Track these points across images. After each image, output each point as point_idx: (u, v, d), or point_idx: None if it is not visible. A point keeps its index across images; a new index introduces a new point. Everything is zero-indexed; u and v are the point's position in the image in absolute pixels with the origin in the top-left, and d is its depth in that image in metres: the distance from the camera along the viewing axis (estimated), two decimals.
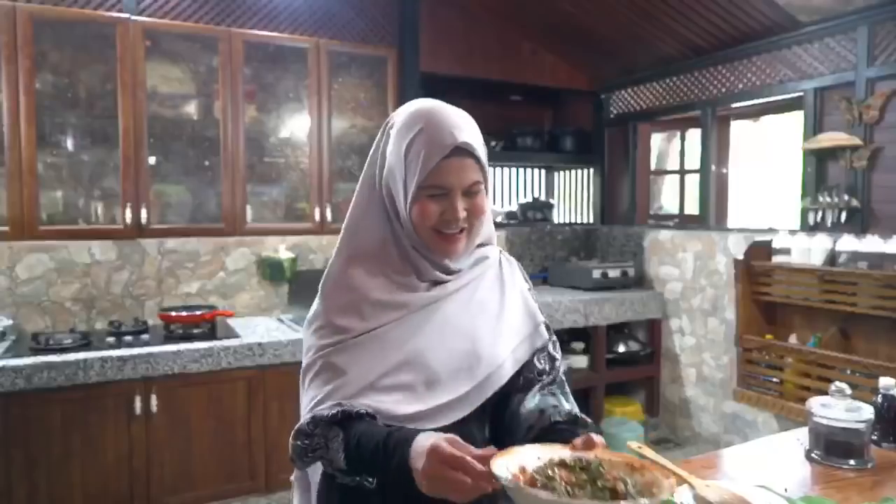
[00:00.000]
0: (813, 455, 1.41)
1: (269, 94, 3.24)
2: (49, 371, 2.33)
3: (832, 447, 1.39)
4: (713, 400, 3.68)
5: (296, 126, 3.30)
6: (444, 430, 0.99)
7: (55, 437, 2.37)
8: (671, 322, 3.92)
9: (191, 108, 3.18)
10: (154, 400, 2.51)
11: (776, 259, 3.16)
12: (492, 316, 1.10)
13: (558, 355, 1.21)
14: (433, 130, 0.99)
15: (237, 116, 3.07)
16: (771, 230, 3.35)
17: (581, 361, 3.75)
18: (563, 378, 1.20)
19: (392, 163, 1.04)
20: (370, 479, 0.92)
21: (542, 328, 1.19)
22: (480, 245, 1.14)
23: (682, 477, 1.21)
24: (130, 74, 2.81)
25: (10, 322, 2.70)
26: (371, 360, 0.99)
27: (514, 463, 0.82)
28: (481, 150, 1.03)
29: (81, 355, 2.41)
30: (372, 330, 1.02)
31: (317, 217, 3.27)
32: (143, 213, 2.96)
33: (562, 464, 0.85)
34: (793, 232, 3.16)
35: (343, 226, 1.09)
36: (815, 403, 1.44)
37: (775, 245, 3.17)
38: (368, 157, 1.09)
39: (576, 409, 1.13)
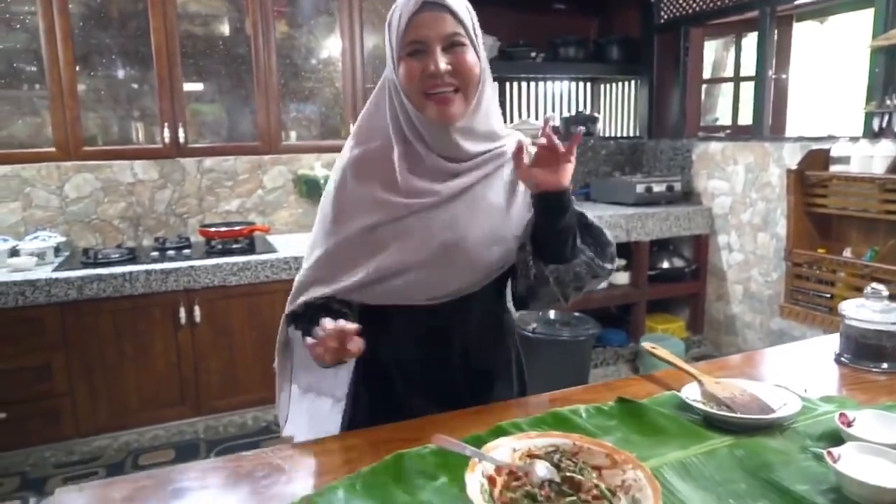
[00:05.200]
0: (842, 358, 1.35)
1: (299, 9, 3.16)
2: (98, 283, 2.45)
3: (863, 350, 1.32)
4: (760, 317, 3.58)
5: (328, 42, 3.23)
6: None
7: (109, 343, 2.52)
8: (719, 238, 3.78)
9: (222, 26, 3.14)
10: (197, 310, 2.62)
11: (834, 168, 2.96)
12: (500, 214, 1.11)
13: None
14: None
15: (268, 32, 3.02)
16: (830, 138, 3.12)
17: (622, 278, 3.69)
18: None
19: (385, 45, 1.07)
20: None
21: None
22: (496, 139, 1.13)
23: (690, 374, 1.18)
24: None
25: (64, 239, 2.84)
26: (409, 245, 1.05)
27: (489, 467, 0.81)
28: (458, 6, 1.01)
29: (127, 268, 2.52)
30: (403, 217, 1.05)
31: None
32: (181, 133, 3.01)
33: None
34: (854, 139, 2.94)
35: (357, 122, 1.13)
36: (848, 305, 1.36)
37: (833, 154, 2.97)
38: None
39: None
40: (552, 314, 3.14)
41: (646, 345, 1.33)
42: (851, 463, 0.86)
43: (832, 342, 1.46)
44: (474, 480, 0.79)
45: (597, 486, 0.76)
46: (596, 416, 1.07)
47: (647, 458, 0.91)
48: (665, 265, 3.80)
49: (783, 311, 3.21)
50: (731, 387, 1.11)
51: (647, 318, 3.79)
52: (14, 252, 2.60)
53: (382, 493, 0.85)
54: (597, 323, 3.08)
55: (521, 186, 1.13)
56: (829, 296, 3.00)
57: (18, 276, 2.39)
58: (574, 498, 0.74)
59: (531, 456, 0.85)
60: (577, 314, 3.18)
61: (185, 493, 0.87)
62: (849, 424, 0.98)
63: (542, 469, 0.81)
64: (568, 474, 0.79)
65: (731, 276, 3.74)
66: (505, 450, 0.86)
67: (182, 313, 2.61)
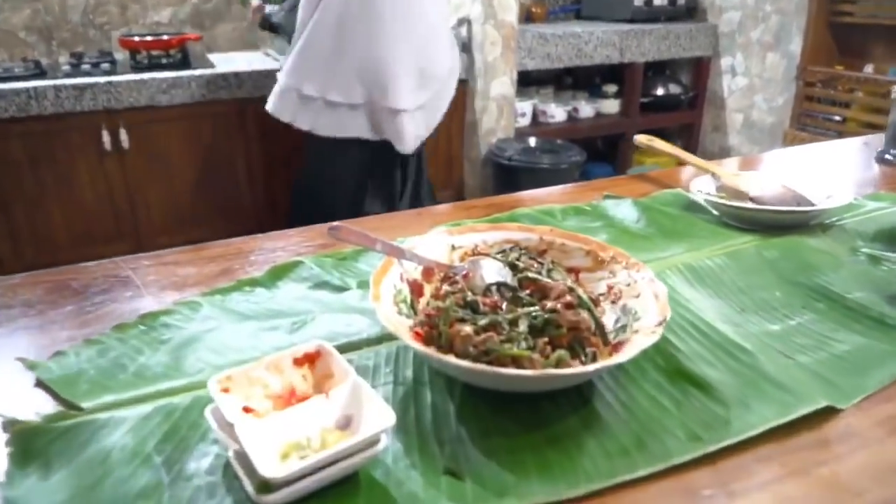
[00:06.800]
0: (887, 156, 1.07)
1: None
2: None
3: None
4: (758, 148, 3.29)
5: None
6: None
7: (23, 172, 2.19)
8: (722, 60, 3.37)
9: None
10: (123, 135, 2.27)
11: None
12: None
13: None
14: None
15: None
16: None
17: (612, 106, 3.33)
18: None
19: None
20: None
21: None
22: None
23: (701, 167, 0.90)
24: None
25: None
26: None
27: (412, 269, 0.55)
28: None
29: (31, 84, 2.12)
30: None
31: None
32: None
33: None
34: None
35: None
36: None
37: None
38: None
39: None
40: (532, 141, 2.82)
41: (639, 137, 1.04)
42: None
43: (871, 141, 1.19)
44: (388, 286, 0.52)
45: (572, 289, 0.50)
46: (574, 217, 0.80)
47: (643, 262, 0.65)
48: (660, 92, 3.43)
49: (787, 139, 2.92)
50: (754, 179, 0.83)
51: (636, 151, 3.49)
52: None
53: (263, 310, 0.59)
54: (582, 150, 2.77)
55: None
56: (840, 119, 2.70)
57: None
58: (535, 308, 0.48)
59: (477, 254, 0.58)
60: (559, 141, 2.87)
61: None
62: None
63: (489, 270, 0.54)
64: (530, 276, 0.53)
65: (732, 103, 3.39)
66: (439, 247, 0.59)
67: (106, 138, 2.25)
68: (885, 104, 2.51)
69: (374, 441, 0.38)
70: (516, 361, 0.44)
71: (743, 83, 3.30)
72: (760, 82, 3.20)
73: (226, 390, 0.41)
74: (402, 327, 0.47)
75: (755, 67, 3.21)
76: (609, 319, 0.51)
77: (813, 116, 2.80)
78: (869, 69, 2.65)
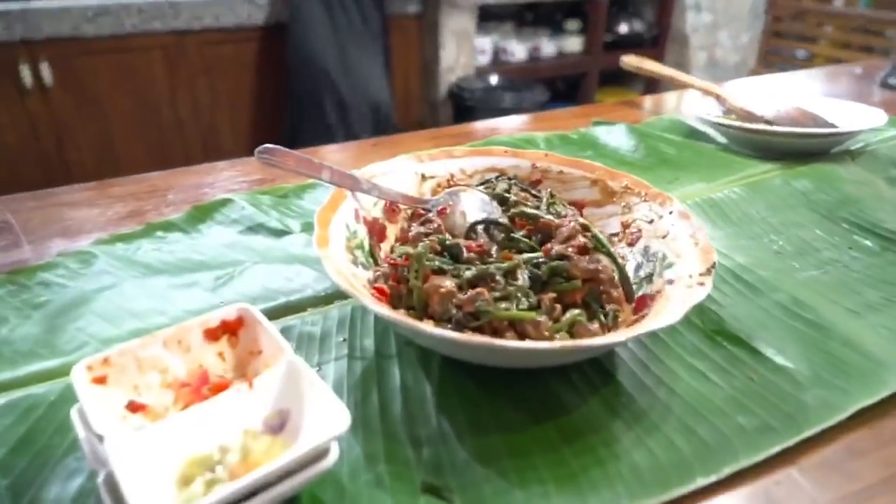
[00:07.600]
0: (891, 80, 0.98)
1: None
2: None
3: None
4: None
5: None
6: None
7: None
8: None
9: None
10: (46, 70, 2.03)
11: None
12: None
13: None
14: None
15: None
16: None
17: (574, 44, 3.17)
18: None
19: None
20: None
21: None
22: None
23: (703, 89, 0.78)
24: None
25: None
26: None
27: (370, 205, 0.42)
28: None
29: None
30: None
31: None
32: None
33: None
34: None
35: None
36: None
37: None
38: None
39: None
40: (493, 79, 2.67)
41: (627, 58, 0.92)
42: None
43: (865, 67, 1.10)
44: (339, 226, 0.39)
45: (586, 228, 0.38)
46: (560, 146, 0.68)
47: None
48: (623, 29, 3.28)
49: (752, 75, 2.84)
50: (766, 102, 0.72)
51: (598, 91, 3.37)
52: None
53: (178, 261, 0.45)
54: (545, 90, 2.64)
55: None
56: (808, 56, 2.62)
57: None
58: (538, 254, 0.36)
59: (454, 185, 0.46)
60: (522, 80, 2.72)
61: None
62: None
63: (472, 204, 0.42)
64: (527, 211, 0.41)
65: (695, 41, 3.27)
66: (406, 176, 0.46)
67: (25, 73, 2.01)
68: (855, 39, 2.43)
69: (320, 452, 0.26)
70: (516, 326, 0.32)
71: (707, 20, 3.18)
72: (725, 19, 3.09)
73: (100, 380, 0.28)
74: (359, 282, 0.35)
75: (720, 3, 3.10)
76: (628, 266, 0.40)
77: (779, 53, 2.72)
78: (839, 2, 2.57)
